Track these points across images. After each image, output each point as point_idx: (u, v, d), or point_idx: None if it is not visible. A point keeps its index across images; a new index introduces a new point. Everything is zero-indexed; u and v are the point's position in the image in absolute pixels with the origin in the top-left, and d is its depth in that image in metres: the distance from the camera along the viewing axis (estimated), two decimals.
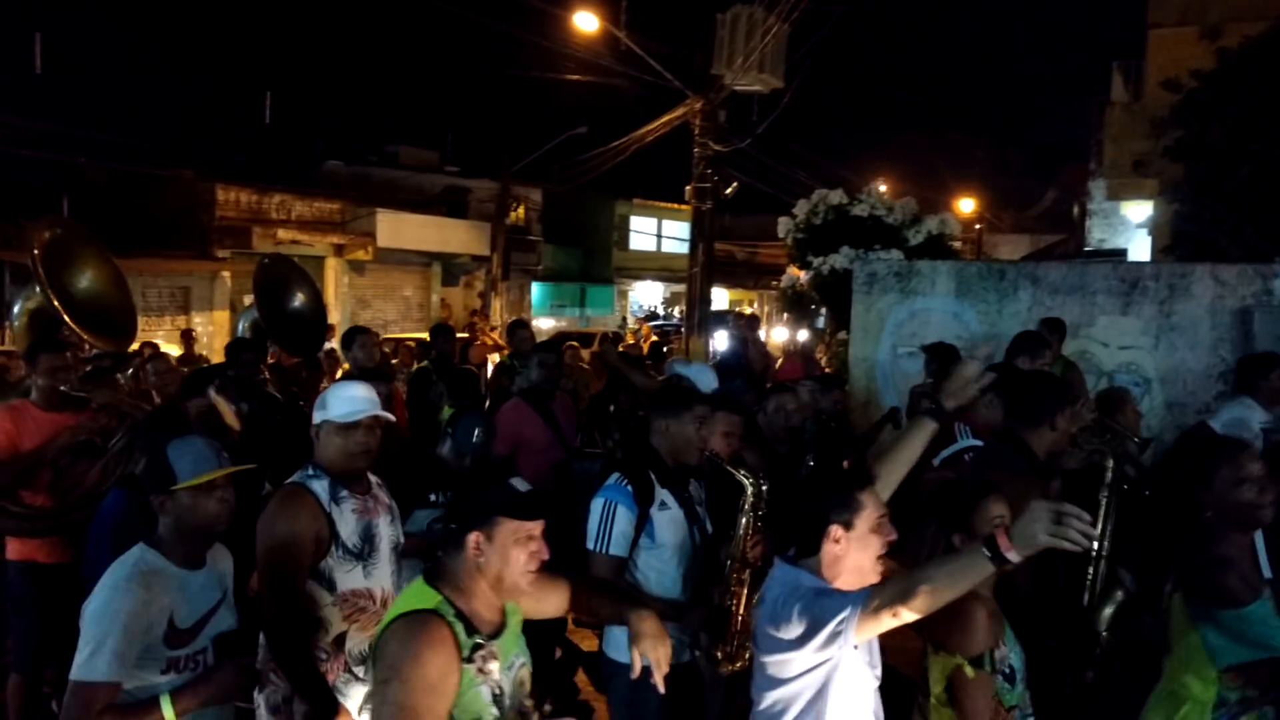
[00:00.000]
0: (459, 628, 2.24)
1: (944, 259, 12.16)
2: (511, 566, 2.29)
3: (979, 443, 3.95)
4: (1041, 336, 5.91)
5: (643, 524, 3.48)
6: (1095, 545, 3.37)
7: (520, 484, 2.34)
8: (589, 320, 32.71)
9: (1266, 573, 2.81)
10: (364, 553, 3.09)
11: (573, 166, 21.46)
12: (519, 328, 7.95)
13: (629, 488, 3.50)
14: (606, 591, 2.86)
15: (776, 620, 2.46)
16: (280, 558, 2.95)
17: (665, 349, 13.77)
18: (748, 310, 26.50)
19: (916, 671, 2.81)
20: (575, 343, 12.91)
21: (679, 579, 3.54)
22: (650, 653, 2.51)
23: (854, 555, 2.49)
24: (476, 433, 4.19)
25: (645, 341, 19.75)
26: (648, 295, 39.57)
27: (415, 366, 8.00)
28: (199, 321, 19.25)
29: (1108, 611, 3.38)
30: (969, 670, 2.65)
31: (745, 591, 3.52)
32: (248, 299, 8.24)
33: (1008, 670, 2.73)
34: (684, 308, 19.29)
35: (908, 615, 2.28)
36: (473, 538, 2.27)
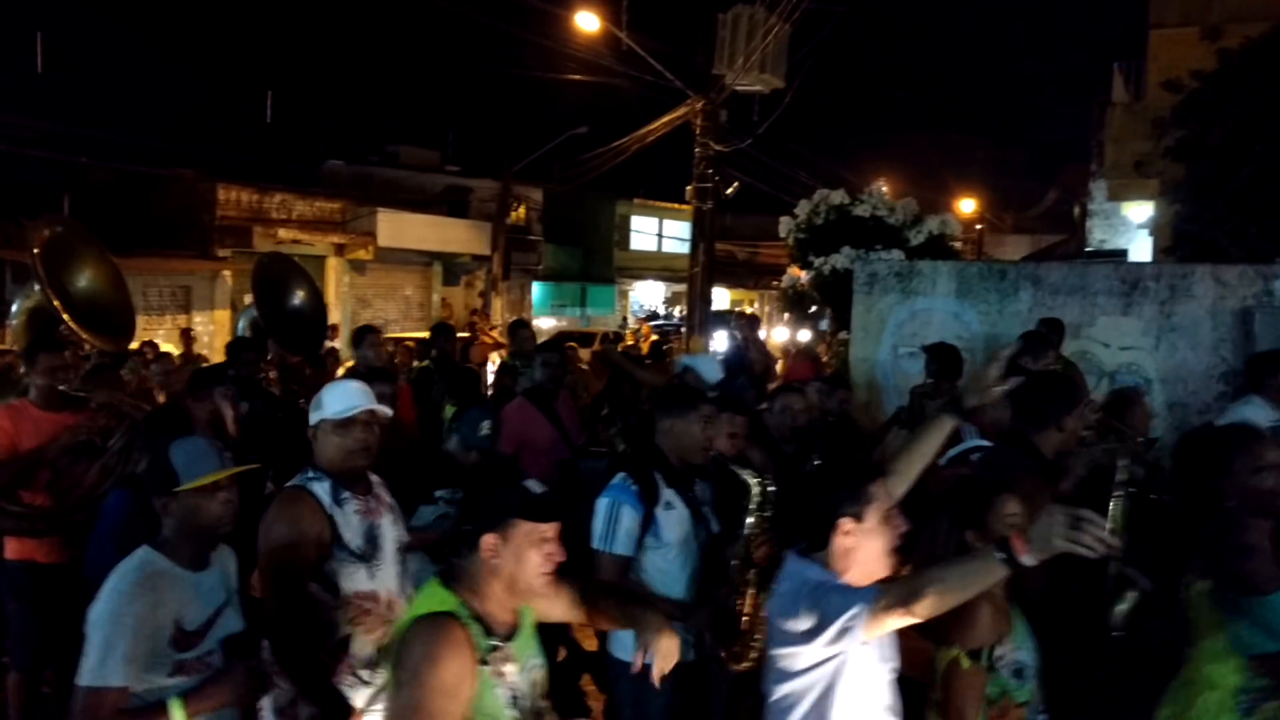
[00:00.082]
0: (475, 630, 2.23)
1: (945, 259, 12.15)
2: (527, 569, 2.28)
3: (986, 443, 3.94)
4: (1045, 337, 5.91)
5: (648, 523, 3.48)
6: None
7: (535, 485, 2.34)
8: (590, 320, 32.71)
9: None
10: (368, 554, 3.06)
11: (573, 166, 21.50)
12: (520, 328, 7.94)
13: (634, 487, 3.50)
14: (613, 594, 2.85)
15: (787, 614, 2.47)
16: (282, 561, 2.93)
17: (665, 348, 13.77)
18: (748, 310, 26.52)
19: (920, 671, 2.81)
20: (573, 344, 12.91)
21: (684, 578, 3.53)
22: (655, 651, 2.51)
23: (865, 548, 2.49)
24: (483, 426, 4.15)
25: (645, 341, 19.76)
26: (648, 295, 39.57)
27: (416, 366, 7.99)
28: (200, 321, 19.26)
29: (1120, 610, 3.38)
30: (965, 662, 2.65)
31: (751, 591, 3.52)
32: (248, 298, 8.24)
33: (1017, 667, 2.72)
34: (685, 308, 19.30)
35: (918, 614, 2.27)
36: (488, 540, 2.27)
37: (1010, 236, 33.41)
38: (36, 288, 5.21)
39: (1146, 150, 14.23)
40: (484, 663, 2.23)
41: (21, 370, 5.10)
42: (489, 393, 7.73)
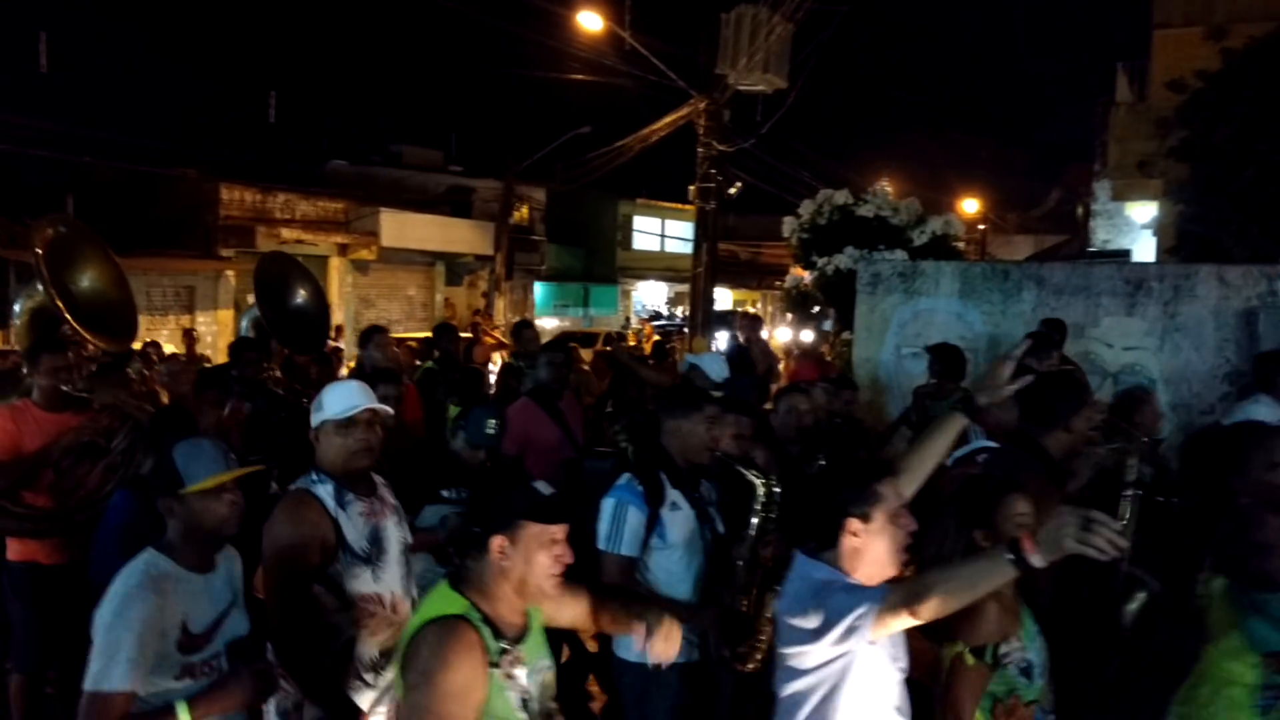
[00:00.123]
0: (486, 632, 2.23)
1: (948, 259, 12.14)
2: (535, 570, 2.28)
3: (992, 444, 3.93)
4: (1050, 337, 5.90)
5: (653, 524, 3.47)
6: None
7: (543, 487, 2.33)
8: (592, 320, 32.71)
9: None
10: (372, 556, 3.04)
11: (576, 166, 21.53)
12: (524, 328, 7.93)
13: (640, 488, 3.49)
14: (618, 596, 2.85)
15: (795, 612, 2.47)
16: (287, 565, 2.91)
17: (668, 347, 13.78)
18: (750, 310, 26.50)
19: (923, 673, 2.80)
20: (574, 344, 12.91)
21: (690, 579, 3.53)
22: (658, 636, 2.51)
23: (873, 548, 2.48)
24: (489, 424, 4.12)
25: (647, 342, 19.77)
26: (651, 295, 39.57)
27: (420, 366, 7.98)
28: (203, 321, 19.28)
29: (1130, 610, 3.37)
30: (969, 658, 2.64)
31: (757, 592, 3.52)
32: (251, 298, 8.21)
33: (1024, 665, 2.71)
34: (687, 308, 19.30)
35: (925, 615, 2.27)
36: (496, 542, 2.26)
37: (1014, 237, 33.37)
38: (39, 287, 5.20)
39: (1150, 150, 14.22)
40: (495, 665, 2.22)
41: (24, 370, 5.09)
42: (492, 393, 7.72)
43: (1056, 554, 2.10)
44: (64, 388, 4.37)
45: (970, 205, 31.63)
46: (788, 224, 15.88)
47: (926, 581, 2.29)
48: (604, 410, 7.20)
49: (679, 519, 3.52)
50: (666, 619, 2.54)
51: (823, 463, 4.75)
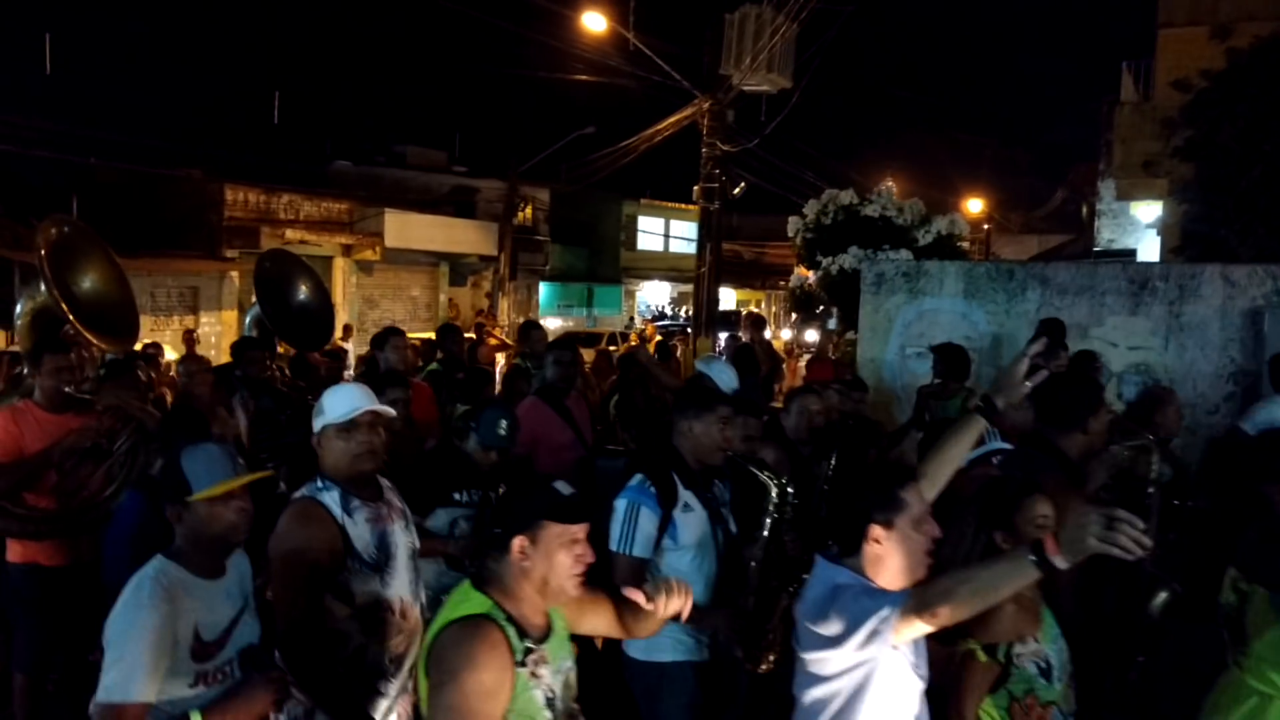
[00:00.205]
0: (511, 632, 2.23)
1: (952, 259, 12.12)
2: (557, 570, 2.27)
3: (1007, 446, 3.90)
4: (1056, 337, 5.88)
5: (666, 525, 3.45)
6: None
7: (564, 487, 2.32)
8: (596, 320, 32.74)
9: None
10: (380, 563, 3.01)
11: (580, 166, 21.55)
12: (532, 328, 7.91)
13: (652, 489, 3.48)
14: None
15: (816, 618, 2.44)
16: (296, 574, 2.88)
17: (670, 345, 13.78)
18: (754, 310, 26.50)
19: (935, 673, 2.78)
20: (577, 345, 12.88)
21: (702, 580, 3.50)
22: (663, 591, 2.47)
23: (895, 554, 2.45)
24: (501, 425, 4.09)
25: (650, 343, 19.76)
26: (655, 295, 39.60)
27: (424, 368, 7.97)
28: (207, 321, 19.32)
29: (1155, 606, 3.35)
30: (981, 655, 2.62)
31: (769, 592, 3.51)
32: (254, 298, 8.19)
33: (1043, 665, 2.69)
34: (691, 308, 19.30)
35: (947, 618, 2.24)
36: (517, 542, 2.26)
37: (1018, 236, 33.33)
38: (42, 288, 5.20)
39: (1155, 150, 14.19)
40: (521, 664, 2.22)
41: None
42: (497, 394, 7.70)
43: (1080, 555, 2.06)
44: (66, 389, 4.36)
45: (975, 205, 31.62)
46: (792, 224, 15.90)
47: (948, 584, 2.26)
48: (609, 410, 7.20)
49: (691, 520, 3.50)
50: (668, 580, 2.51)
51: (834, 463, 4.74)
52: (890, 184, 17.36)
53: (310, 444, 3.12)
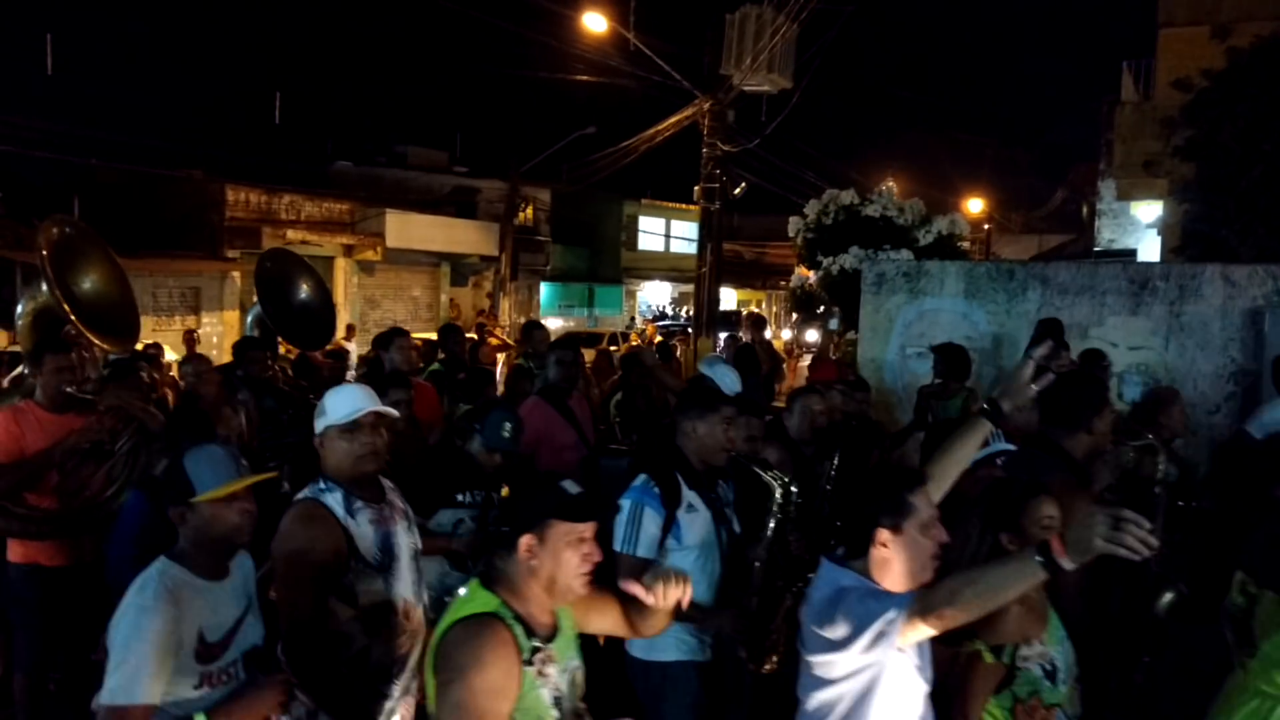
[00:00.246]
0: (518, 630, 2.23)
1: (953, 259, 12.12)
2: (564, 569, 2.27)
3: (1011, 447, 3.89)
4: (1059, 337, 5.86)
5: (670, 526, 3.45)
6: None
7: (571, 486, 2.32)
8: (597, 320, 32.74)
9: None
10: (384, 564, 3.00)
11: (581, 167, 21.56)
12: (535, 329, 7.92)
13: (656, 489, 3.48)
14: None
15: (821, 620, 2.43)
16: (300, 577, 2.88)
17: (670, 345, 13.80)
18: (755, 310, 26.51)
19: (939, 674, 2.77)
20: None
21: (706, 581, 3.50)
22: (659, 581, 2.44)
23: (902, 558, 2.44)
24: (506, 427, 4.08)
25: (650, 342, 19.77)
26: (656, 295, 39.60)
27: (425, 369, 7.98)
28: (209, 322, 19.33)
29: (1158, 608, 3.35)
30: (987, 656, 2.62)
31: (774, 593, 3.51)
32: (256, 298, 8.17)
33: (1048, 667, 2.68)
34: (692, 308, 19.30)
35: (954, 620, 2.23)
36: (525, 541, 2.26)
37: (1018, 236, 33.33)
38: (44, 288, 5.21)
39: (1155, 149, 14.19)
40: (528, 663, 2.22)
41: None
42: (499, 395, 7.71)
43: (1087, 555, 2.05)
44: (68, 389, 4.35)
45: (975, 205, 31.63)
46: (793, 224, 15.91)
47: (954, 586, 2.24)
48: (609, 410, 7.21)
49: (695, 521, 3.50)
50: (666, 571, 2.49)
51: (836, 463, 4.75)
52: (891, 184, 17.37)
53: (312, 444, 3.11)
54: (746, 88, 15.45)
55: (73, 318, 5.11)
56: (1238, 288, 7.03)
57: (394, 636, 3.00)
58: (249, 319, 7.67)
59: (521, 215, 26.95)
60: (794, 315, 25.61)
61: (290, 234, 20.44)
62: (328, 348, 8.30)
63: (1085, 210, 23.10)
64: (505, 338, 16.97)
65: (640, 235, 36.11)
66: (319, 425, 3.07)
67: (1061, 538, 2.11)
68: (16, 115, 16.69)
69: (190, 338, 13.76)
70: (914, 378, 7.53)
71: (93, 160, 19.42)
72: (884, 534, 2.44)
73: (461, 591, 2.36)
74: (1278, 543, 2.80)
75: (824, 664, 2.45)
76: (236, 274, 19.78)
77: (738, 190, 17.13)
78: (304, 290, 7.36)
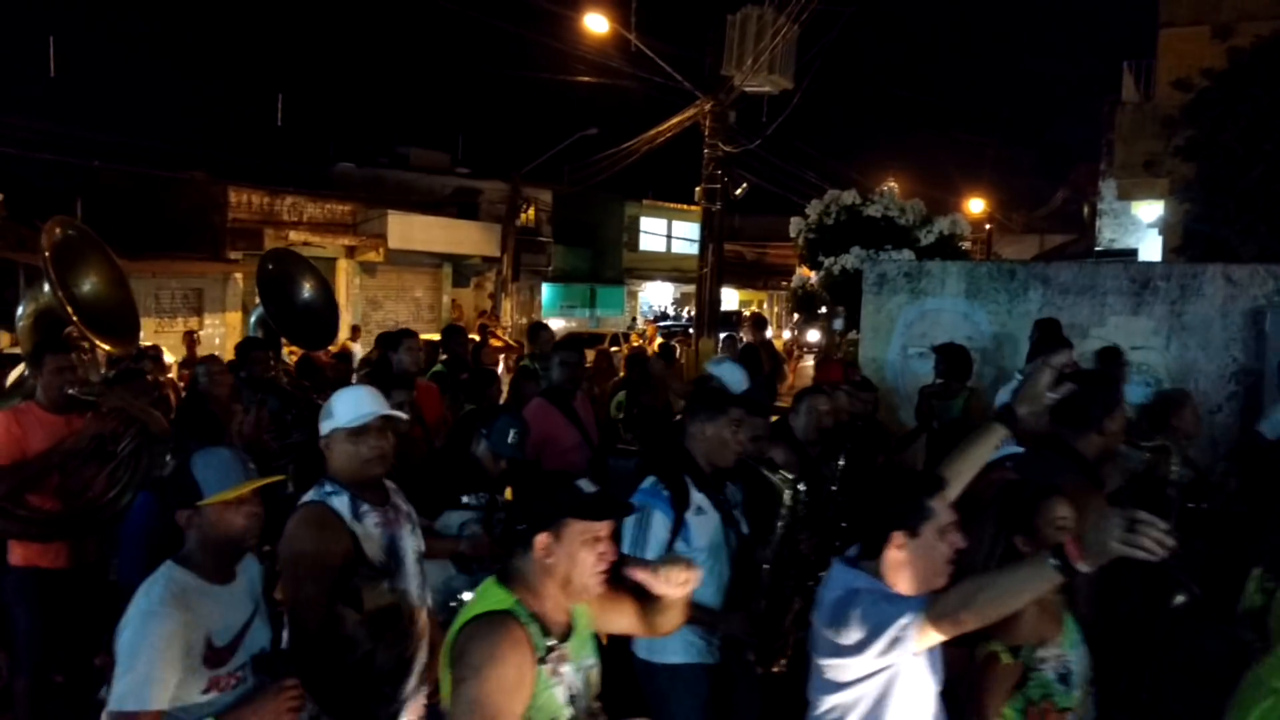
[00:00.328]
0: (533, 629, 2.24)
1: (954, 259, 12.12)
2: (580, 568, 2.27)
3: (1020, 450, 3.89)
4: (1062, 336, 5.87)
5: (678, 529, 3.44)
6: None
7: (587, 484, 2.32)
8: (599, 321, 32.74)
9: None
10: (390, 568, 3.00)
11: (583, 168, 21.56)
12: (541, 329, 7.93)
13: (665, 492, 3.46)
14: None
15: (835, 623, 2.41)
16: (307, 581, 2.86)
17: (670, 346, 13.80)
18: (755, 310, 26.51)
19: (951, 674, 2.77)
20: None
21: (714, 584, 3.49)
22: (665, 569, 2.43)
23: (917, 562, 2.43)
24: (512, 433, 4.06)
25: (651, 343, 19.80)
26: (657, 296, 39.59)
27: (430, 369, 8.00)
28: (211, 323, 19.35)
29: (1171, 608, 3.34)
30: (1004, 657, 2.61)
31: (783, 594, 3.51)
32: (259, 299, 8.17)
33: (1063, 671, 2.67)
34: (693, 308, 19.31)
35: (970, 623, 2.22)
36: (541, 539, 2.26)
37: (1020, 236, 33.32)
38: (46, 288, 5.23)
39: (1156, 149, 14.20)
40: (542, 661, 2.23)
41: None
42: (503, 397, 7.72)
43: (1104, 558, 2.04)
44: (70, 390, 4.34)
45: (976, 205, 31.62)
46: (794, 224, 15.92)
47: (970, 590, 2.23)
48: (610, 410, 7.22)
49: (704, 523, 3.48)
50: (671, 558, 2.50)
51: (842, 464, 4.76)
52: (892, 184, 17.38)
53: (316, 445, 3.10)
54: (747, 88, 15.46)
55: (75, 319, 5.12)
56: (1239, 287, 7.03)
57: (399, 640, 2.99)
58: (252, 320, 7.68)
59: (523, 216, 26.97)
60: (795, 316, 25.61)
61: (292, 235, 20.45)
62: (333, 349, 8.30)
63: (1086, 210, 23.08)
64: (507, 339, 16.99)
65: (642, 236, 36.11)
66: (326, 427, 3.05)
67: (1077, 540, 2.09)
68: (19, 117, 16.76)
69: (190, 339, 13.75)
70: (915, 378, 7.53)
71: (95, 162, 19.47)
72: (900, 537, 2.43)
73: (466, 596, 2.36)
74: None
75: (836, 667, 2.44)
76: (239, 275, 19.80)
77: (739, 191, 17.14)
78: (307, 290, 7.37)
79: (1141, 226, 18.51)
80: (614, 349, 16.64)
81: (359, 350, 14.43)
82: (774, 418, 4.97)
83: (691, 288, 20.94)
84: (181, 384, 8.80)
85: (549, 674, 2.24)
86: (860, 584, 2.44)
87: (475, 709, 2.14)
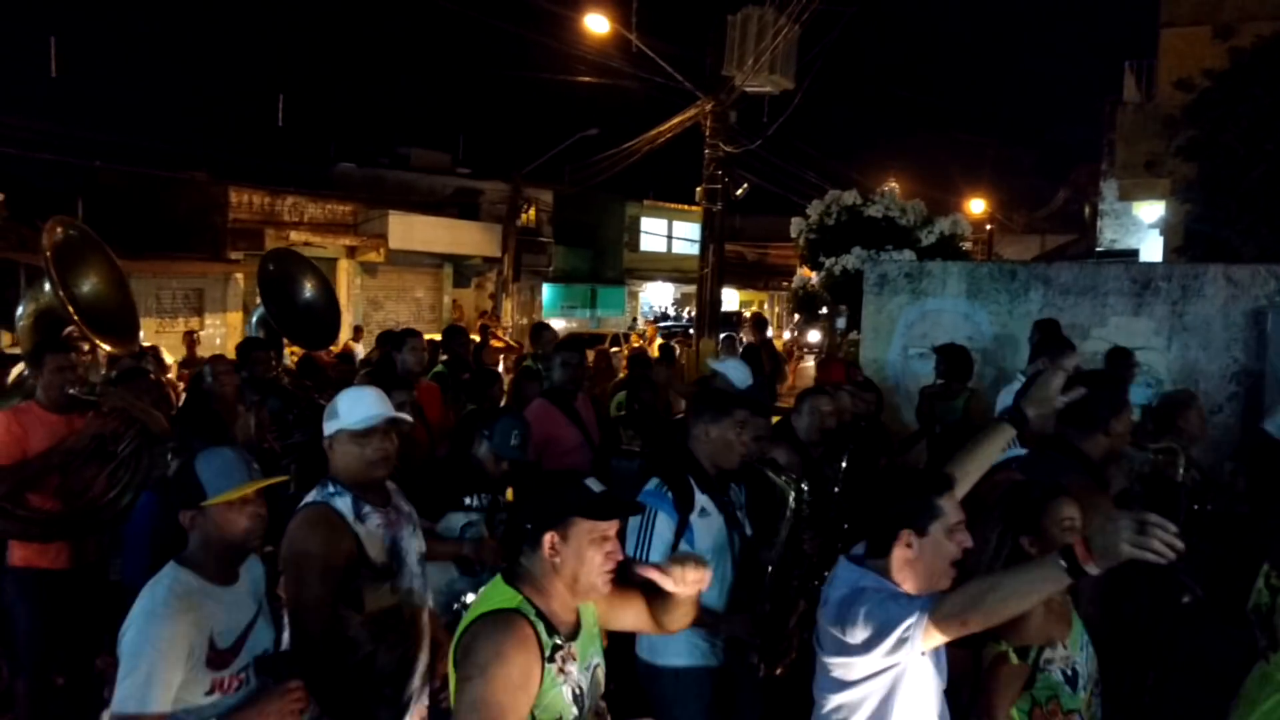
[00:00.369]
0: (540, 627, 2.24)
1: (955, 260, 12.12)
2: (587, 567, 2.27)
3: (1023, 451, 3.81)
4: (1064, 337, 5.86)
5: (682, 531, 3.42)
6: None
7: (594, 484, 2.32)
8: (600, 321, 32.74)
9: None
10: (392, 569, 2.99)
11: (584, 168, 21.57)
12: (544, 330, 7.94)
13: (669, 494, 3.45)
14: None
15: (841, 622, 2.41)
16: (309, 581, 2.85)
17: (670, 345, 13.79)
18: (756, 311, 26.51)
19: (956, 674, 2.77)
20: None
21: (718, 586, 3.47)
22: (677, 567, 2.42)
23: (925, 561, 2.43)
24: (515, 435, 4.05)
25: (650, 344, 19.80)
26: (658, 296, 39.59)
27: (430, 370, 8.01)
28: (212, 323, 19.36)
29: (1180, 605, 3.34)
30: (1013, 658, 2.60)
31: (787, 594, 3.50)
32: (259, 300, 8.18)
33: (1070, 673, 2.67)
34: (694, 309, 19.32)
35: (977, 624, 2.23)
36: (548, 538, 2.26)
37: (1021, 236, 33.31)
38: (47, 287, 5.23)
39: (1158, 149, 14.21)
40: (549, 660, 2.23)
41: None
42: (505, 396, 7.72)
43: (1113, 560, 2.03)
44: (70, 390, 4.33)
45: (977, 205, 31.61)
46: (795, 224, 15.92)
47: (977, 590, 2.23)
48: (609, 410, 7.22)
49: (708, 525, 3.47)
50: (682, 554, 2.49)
51: (845, 465, 4.75)
52: (893, 184, 17.39)
53: (318, 444, 3.09)
54: (748, 89, 15.46)
55: (76, 318, 5.13)
56: (1240, 288, 7.03)
57: (401, 642, 2.99)
58: (253, 320, 7.68)
59: (524, 216, 26.98)
60: (796, 316, 25.62)
61: (293, 236, 20.46)
62: (336, 349, 8.31)
63: (1087, 210, 23.10)
64: (507, 339, 16.99)
65: (642, 236, 36.11)
66: (331, 427, 3.03)
67: (1085, 542, 2.09)
68: (20, 117, 16.77)
69: (190, 339, 13.74)
70: (916, 378, 7.54)
71: (96, 162, 19.49)
72: (909, 535, 2.43)
73: (469, 598, 2.36)
74: None
75: (842, 665, 2.44)
76: (240, 276, 19.81)
77: (740, 191, 17.15)
78: (308, 289, 7.37)
79: (1143, 227, 18.51)
80: (614, 349, 16.63)
81: (361, 350, 14.45)
82: (776, 418, 4.97)
83: (692, 288, 20.94)
84: (181, 384, 8.80)
85: (555, 673, 2.24)
86: (867, 582, 2.44)
87: (480, 707, 2.14)
